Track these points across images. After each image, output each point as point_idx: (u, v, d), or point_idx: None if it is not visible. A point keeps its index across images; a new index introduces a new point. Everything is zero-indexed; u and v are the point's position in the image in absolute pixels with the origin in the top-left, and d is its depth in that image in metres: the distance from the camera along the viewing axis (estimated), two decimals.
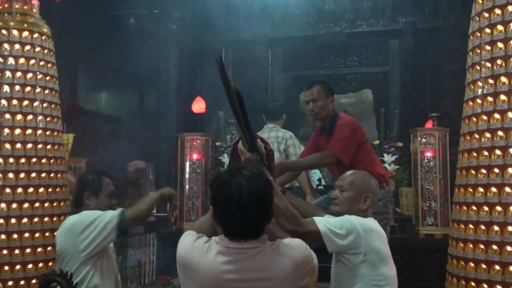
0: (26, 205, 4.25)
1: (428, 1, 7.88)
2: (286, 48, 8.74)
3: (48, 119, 4.50)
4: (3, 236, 4.16)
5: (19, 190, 4.24)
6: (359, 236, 2.61)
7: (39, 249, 4.26)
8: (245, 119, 2.27)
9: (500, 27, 3.72)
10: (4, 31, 4.44)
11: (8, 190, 4.22)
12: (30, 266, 4.21)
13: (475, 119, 3.78)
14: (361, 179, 2.95)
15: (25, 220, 4.23)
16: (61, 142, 4.73)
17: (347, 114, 4.96)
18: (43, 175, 4.37)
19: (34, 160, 4.33)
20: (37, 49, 4.52)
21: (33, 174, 4.31)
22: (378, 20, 8.26)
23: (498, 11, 3.74)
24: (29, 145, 4.33)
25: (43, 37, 4.59)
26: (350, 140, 3.97)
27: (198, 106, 7.13)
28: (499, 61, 3.68)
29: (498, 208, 3.51)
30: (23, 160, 4.29)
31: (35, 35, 4.53)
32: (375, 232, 2.70)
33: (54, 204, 4.41)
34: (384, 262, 2.69)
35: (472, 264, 3.59)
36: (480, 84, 3.78)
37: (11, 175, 4.25)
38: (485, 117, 3.70)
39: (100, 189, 3.27)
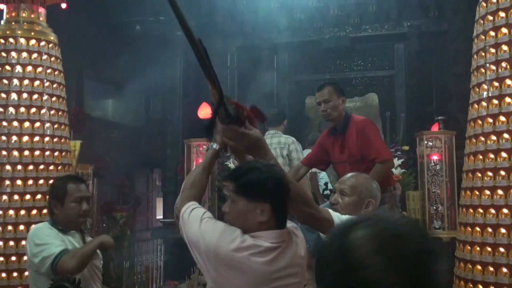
0: (34, 211, 4.29)
1: (432, 5, 7.88)
2: (291, 53, 8.75)
3: (55, 126, 4.54)
4: (11, 243, 4.20)
5: (28, 197, 4.29)
6: None
7: None
8: (214, 73, 2.03)
9: (504, 30, 3.72)
10: (11, 40, 4.50)
11: (16, 197, 4.27)
12: None
13: (480, 122, 3.78)
14: (363, 183, 2.82)
15: (33, 226, 4.25)
16: (68, 149, 4.77)
17: None
18: (51, 181, 4.40)
19: (41, 167, 4.37)
20: (44, 56, 4.57)
21: (41, 181, 4.35)
22: (383, 24, 8.27)
23: (502, 14, 3.75)
24: (37, 152, 4.38)
25: (50, 45, 4.64)
26: (380, 137, 4.14)
27: (204, 111, 7.16)
28: (504, 64, 3.68)
29: (505, 210, 3.51)
30: (31, 167, 4.34)
31: (42, 43, 4.58)
32: None
33: None
34: None
35: (479, 267, 3.58)
36: (485, 86, 3.79)
37: (19, 182, 4.29)
38: (490, 120, 3.70)
39: (64, 196, 3.00)
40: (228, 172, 2.15)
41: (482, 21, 3.90)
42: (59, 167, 4.49)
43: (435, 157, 5.85)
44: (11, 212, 4.24)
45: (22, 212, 4.25)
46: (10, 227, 4.21)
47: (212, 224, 1.95)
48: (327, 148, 4.29)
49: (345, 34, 8.34)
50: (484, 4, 3.91)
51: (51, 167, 4.43)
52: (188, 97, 8.44)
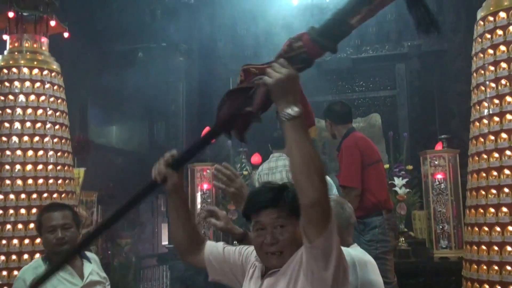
0: (38, 240, 4.27)
1: None
2: None
3: (58, 154, 4.56)
4: (15, 272, 4.18)
5: (31, 225, 4.27)
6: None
7: None
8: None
9: (502, 48, 3.74)
10: (14, 69, 4.55)
11: (20, 226, 4.26)
12: None
13: (482, 140, 3.77)
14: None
15: (37, 255, 4.24)
16: (72, 177, 4.78)
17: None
18: None
19: (45, 195, 4.38)
20: (47, 85, 4.61)
21: None
22: (384, 44, 8.32)
23: (500, 32, 3.77)
24: (41, 181, 4.39)
25: (53, 74, 4.68)
26: (352, 163, 4.08)
27: None
28: (503, 81, 3.69)
29: (510, 228, 3.48)
30: (34, 196, 4.34)
31: (45, 72, 4.63)
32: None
33: None
34: None
35: (487, 286, 3.54)
36: (486, 104, 3.79)
37: (23, 210, 4.29)
38: (492, 137, 3.69)
39: (40, 228, 2.98)
40: (257, 202, 1.87)
41: (480, 40, 3.92)
42: (63, 195, 4.50)
43: (439, 176, 5.83)
44: (15, 241, 4.23)
45: (26, 241, 4.25)
46: (14, 257, 4.20)
47: None
48: None
49: (346, 55, 8.38)
50: (482, 23, 3.93)
51: (55, 195, 4.43)
52: (192, 122, 8.48)
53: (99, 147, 8.08)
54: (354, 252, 2.55)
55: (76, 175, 5.37)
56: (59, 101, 4.69)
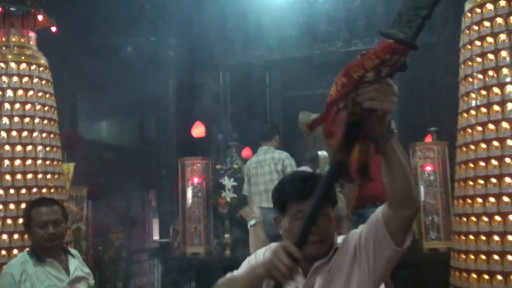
0: (27, 235, 4.26)
1: None
2: (283, 69, 8.81)
3: (47, 149, 4.53)
4: None
5: (20, 220, 4.25)
6: None
7: None
8: None
9: (490, 39, 3.76)
10: (2, 64, 4.51)
11: (9, 221, 4.24)
12: None
13: (470, 131, 3.80)
14: None
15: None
16: (61, 172, 4.76)
17: None
18: None
19: (34, 190, 4.36)
20: (35, 80, 4.58)
21: None
22: (373, 38, 8.32)
23: (487, 24, 3.79)
24: (29, 176, 4.36)
25: (41, 68, 4.66)
26: None
27: (198, 130, 7.16)
28: (490, 72, 3.71)
29: (497, 218, 3.51)
30: (23, 191, 4.32)
31: (33, 67, 4.59)
32: None
33: None
34: None
35: (474, 276, 3.57)
36: (473, 95, 3.81)
37: (12, 206, 4.27)
38: (479, 128, 3.72)
39: (29, 222, 2.96)
40: (303, 191, 1.82)
41: (467, 31, 3.94)
42: (52, 190, 4.48)
43: (428, 168, 5.85)
44: (4, 236, 4.21)
45: (16, 236, 4.23)
46: (3, 252, 4.18)
47: None
48: None
49: (336, 49, 8.41)
50: (469, 15, 3.95)
51: (44, 190, 4.41)
52: (181, 116, 8.46)
53: (89, 142, 8.05)
54: None
55: (65, 170, 5.35)
56: (47, 95, 4.66)
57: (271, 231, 2.83)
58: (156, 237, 9.23)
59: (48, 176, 4.48)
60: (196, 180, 6.40)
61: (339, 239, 1.92)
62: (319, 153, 6.94)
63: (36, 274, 2.88)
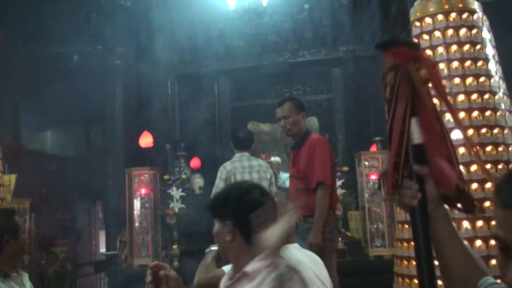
0: None
1: (365, 30, 8.14)
2: (232, 79, 8.85)
3: None
4: None
5: None
6: None
7: None
8: None
9: (428, 52, 3.88)
10: None
11: None
12: None
13: None
14: None
15: None
16: (2, 183, 4.61)
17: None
18: None
19: None
20: None
21: None
22: (320, 49, 8.48)
23: (426, 37, 3.91)
24: None
25: None
26: (326, 160, 4.13)
27: (146, 140, 7.10)
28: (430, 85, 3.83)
29: None
30: None
31: None
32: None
33: None
34: None
35: (416, 281, 3.66)
36: None
37: None
38: None
39: (17, 229, 2.97)
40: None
41: (416, 41, 4.06)
42: None
43: (373, 177, 6.00)
44: None
45: None
46: None
47: None
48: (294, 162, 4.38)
49: (284, 59, 8.50)
50: (418, 24, 4.07)
51: None
52: (129, 126, 8.35)
53: (33, 153, 7.82)
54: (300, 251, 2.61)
55: (6, 182, 5.18)
56: None
57: None
58: (102, 249, 9.03)
59: None
60: (143, 190, 6.34)
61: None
62: (272, 159, 7.01)
63: None
